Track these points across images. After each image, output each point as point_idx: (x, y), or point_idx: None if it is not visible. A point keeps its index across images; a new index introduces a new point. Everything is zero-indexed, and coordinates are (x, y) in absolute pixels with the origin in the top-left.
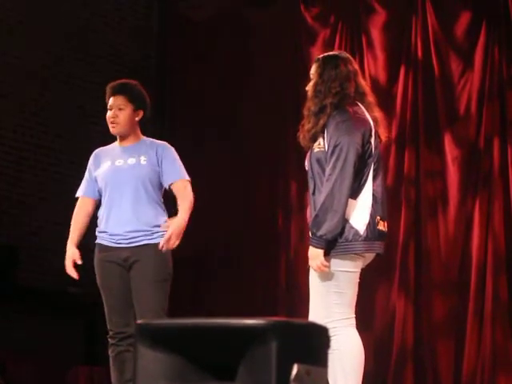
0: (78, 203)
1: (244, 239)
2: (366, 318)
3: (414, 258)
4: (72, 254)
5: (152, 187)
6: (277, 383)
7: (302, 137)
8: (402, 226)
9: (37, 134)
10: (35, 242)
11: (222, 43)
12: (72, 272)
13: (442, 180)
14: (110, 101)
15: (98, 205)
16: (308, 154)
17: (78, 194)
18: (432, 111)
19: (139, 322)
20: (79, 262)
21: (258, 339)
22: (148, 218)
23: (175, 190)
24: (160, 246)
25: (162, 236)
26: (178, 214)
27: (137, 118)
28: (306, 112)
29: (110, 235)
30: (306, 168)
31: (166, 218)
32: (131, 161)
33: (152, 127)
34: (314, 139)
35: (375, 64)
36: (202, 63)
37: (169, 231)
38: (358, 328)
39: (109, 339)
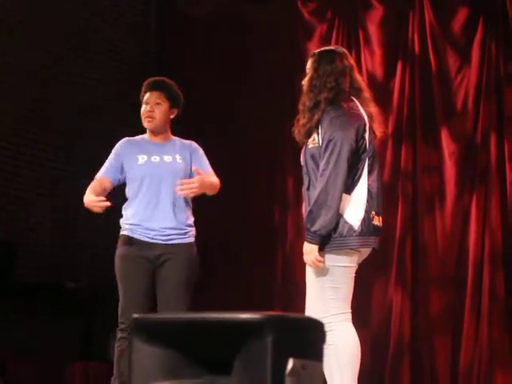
0: (96, 180)
1: (242, 235)
2: (362, 312)
3: (411, 253)
4: (95, 198)
5: None
6: (272, 377)
7: (297, 132)
8: (399, 221)
9: (34, 130)
10: (33, 237)
11: (219, 39)
12: (102, 203)
13: (438, 175)
14: (147, 96)
15: (112, 190)
16: (303, 150)
17: (98, 176)
18: (429, 106)
19: (134, 316)
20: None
21: (254, 334)
22: (183, 217)
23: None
24: (180, 184)
25: (192, 236)
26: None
27: (171, 116)
28: (301, 107)
29: (146, 229)
30: (302, 163)
31: (193, 219)
32: (167, 158)
33: None
34: (308, 134)
35: (372, 59)
36: (199, 59)
37: (196, 177)
38: (354, 323)
39: (118, 332)
